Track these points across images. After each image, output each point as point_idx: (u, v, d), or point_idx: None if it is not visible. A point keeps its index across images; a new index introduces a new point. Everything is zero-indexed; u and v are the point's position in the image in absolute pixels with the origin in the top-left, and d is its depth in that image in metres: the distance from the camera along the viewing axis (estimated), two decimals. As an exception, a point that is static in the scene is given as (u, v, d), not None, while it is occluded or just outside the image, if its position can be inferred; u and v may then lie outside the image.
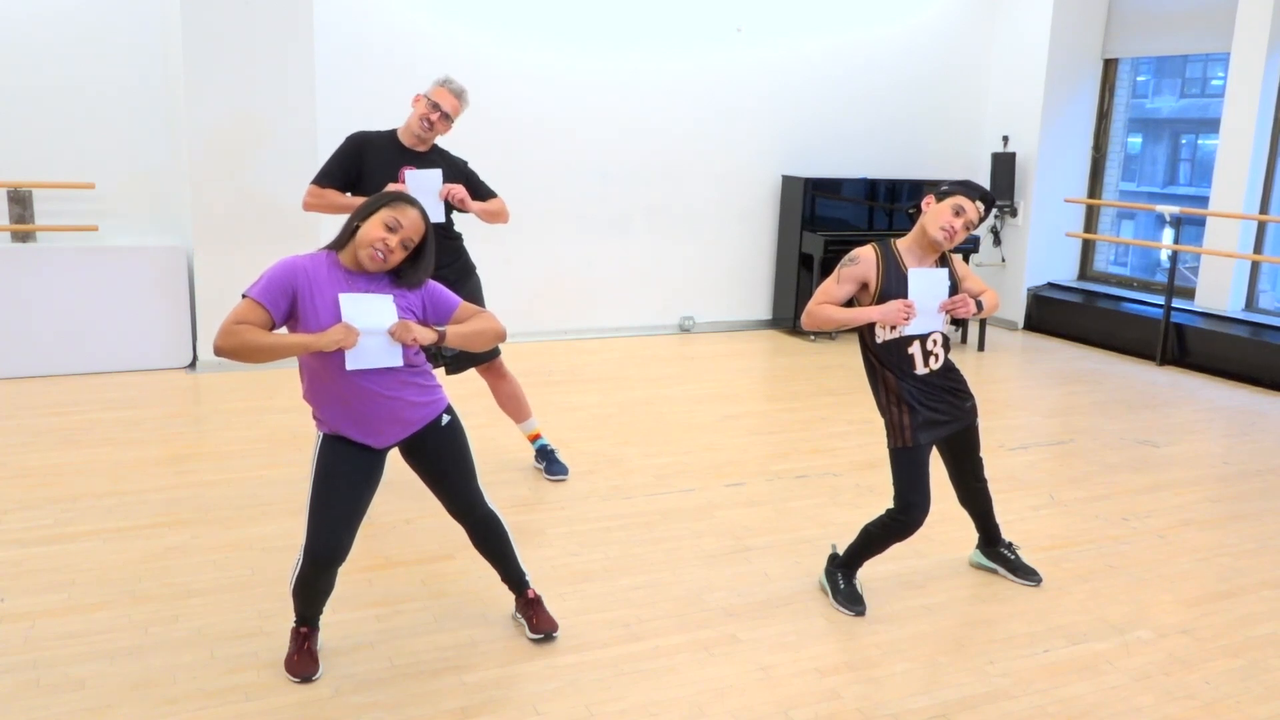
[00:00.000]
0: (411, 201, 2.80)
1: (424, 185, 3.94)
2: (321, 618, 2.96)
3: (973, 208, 3.16)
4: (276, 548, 3.71)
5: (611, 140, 7.33)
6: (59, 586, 3.36)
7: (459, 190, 4.02)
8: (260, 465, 4.57)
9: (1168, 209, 7.47)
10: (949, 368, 3.32)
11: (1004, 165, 8.26)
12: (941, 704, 2.85)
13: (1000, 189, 8.25)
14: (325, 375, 2.74)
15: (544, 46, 7.01)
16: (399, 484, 3.60)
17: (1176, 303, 7.30)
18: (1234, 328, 7.03)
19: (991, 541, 3.68)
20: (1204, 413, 6.06)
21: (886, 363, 3.24)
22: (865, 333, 3.26)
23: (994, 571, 3.68)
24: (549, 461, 4.56)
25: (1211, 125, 9.22)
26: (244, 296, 2.67)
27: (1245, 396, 6.46)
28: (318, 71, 6.20)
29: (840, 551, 3.48)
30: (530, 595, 3.16)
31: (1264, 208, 7.23)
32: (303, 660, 2.86)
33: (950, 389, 3.30)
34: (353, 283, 2.74)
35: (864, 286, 3.21)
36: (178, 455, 4.68)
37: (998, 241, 8.54)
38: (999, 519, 3.68)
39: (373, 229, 2.71)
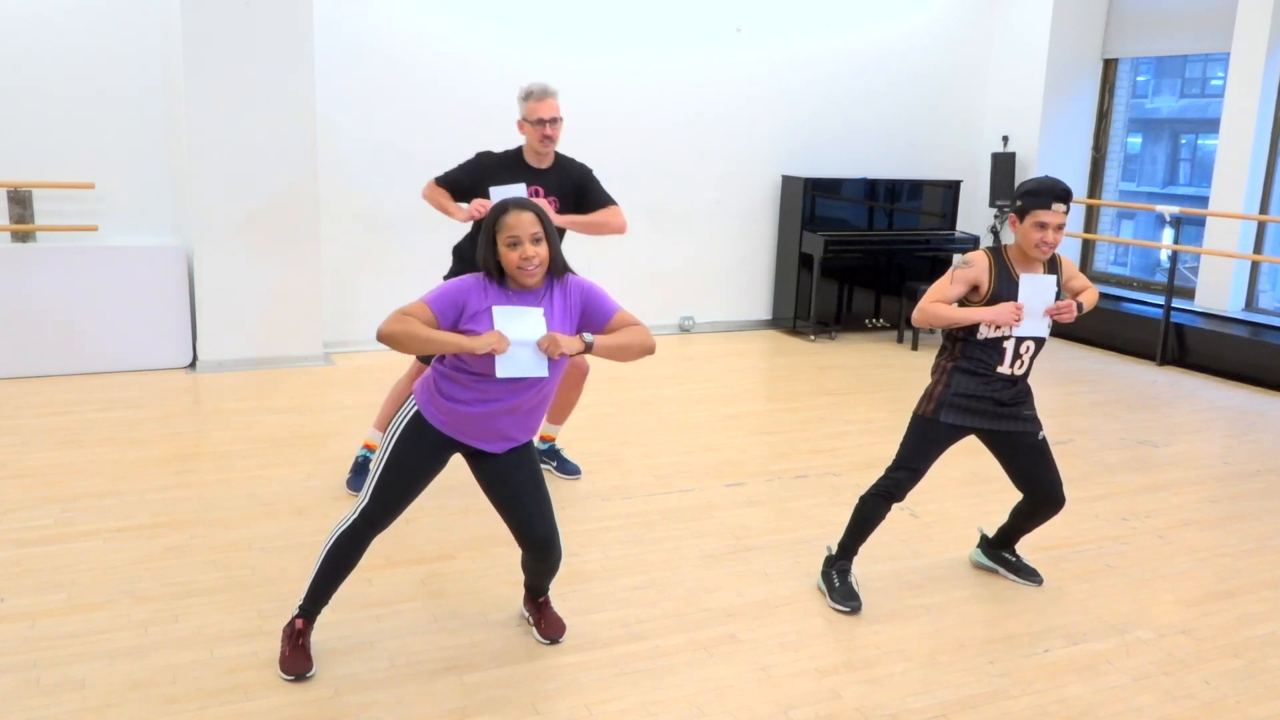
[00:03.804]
0: (505, 207, 2.80)
1: None
2: (319, 617, 2.95)
3: (1051, 214, 3.19)
4: (276, 548, 3.71)
5: (612, 140, 7.31)
6: (59, 586, 3.36)
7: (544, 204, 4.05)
8: (260, 465, 4.57)
9: (1167, 209, 7.47)
10: (1021, 382, 3.35)
11: (1004, 165, 8.26)
12: (941, 704, 2.86)
13: (1000, 189, 8.25)
14: (475, 373, 2.81)
15: (544, 46, 7.01)
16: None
17: (1176, 303, 7.30)
18: (1234, 328, 7.04)
19: (1001, 544, 3.68)
20: (1204, 413, 6.06)
21: (968, 353, 3.30)
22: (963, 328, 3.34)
23: (994, 571, 3.69)
24: (559, 461, 4.57)
25: (1211, 125, 9.22)
26: (420, 300, 2.79)
27: (1245, 396, 6.46)
28: (318, 72, 6.20)
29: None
30: (541, 600, 3.18)
31: (1264, 208, 7.24)
32: (295, 657, 2.86)
33: (1006, 399, 3.33)
34: (510, 299, 2.82)
35: (975, 288, 3.30)
36: (178, 455, 4.68)
37: (997, 241, 8.54)
38: (998, 519, 3.68)
39: (506, 257, 2.77)
